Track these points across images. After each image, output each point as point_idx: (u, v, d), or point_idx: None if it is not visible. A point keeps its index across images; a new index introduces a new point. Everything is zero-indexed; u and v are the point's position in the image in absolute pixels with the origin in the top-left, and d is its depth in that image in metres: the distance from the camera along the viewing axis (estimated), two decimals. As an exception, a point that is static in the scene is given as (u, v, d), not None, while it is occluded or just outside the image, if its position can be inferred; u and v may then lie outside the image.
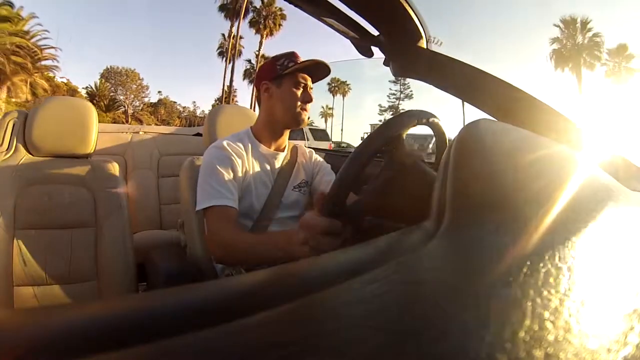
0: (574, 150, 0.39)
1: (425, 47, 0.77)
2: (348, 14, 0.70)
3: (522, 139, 0.39)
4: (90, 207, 1.04)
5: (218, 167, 0.84)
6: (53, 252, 0.99)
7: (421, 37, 0.74)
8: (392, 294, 0.18)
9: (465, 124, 0.35)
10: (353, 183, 0.52)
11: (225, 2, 17.41)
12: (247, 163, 0.90)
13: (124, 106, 20.33)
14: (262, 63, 1.00)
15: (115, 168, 1.11)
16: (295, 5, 0.66)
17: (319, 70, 0.93)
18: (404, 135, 0.57)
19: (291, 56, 0.92)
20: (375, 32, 0.77)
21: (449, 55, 0.76)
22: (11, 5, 10.71)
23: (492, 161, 0.29)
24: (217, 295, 0.20)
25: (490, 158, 0.29)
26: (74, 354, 0.13)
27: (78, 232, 1.02)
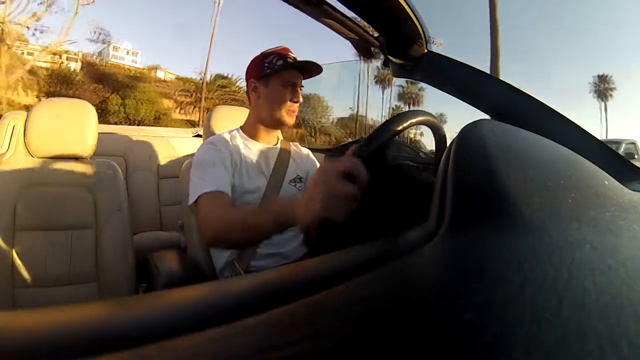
0: (573, 150, 0.39)
1: (424, 47, 0.77)
2: (348, 15, 0.70)
3: (522, 140, 0.39)
4: (90, 208, 1.04)
5: (206, 160, 0.83)
6: (53, 254, 0.99)
7: (421, 37, 0.74)
8: (392, 295, 0.18)
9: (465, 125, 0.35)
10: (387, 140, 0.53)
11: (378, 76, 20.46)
12: (237, 158, 0.88)
13: (312, 123, 24.64)
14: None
15: (115, 169, 1.11)
16: (295, 7, 0.66)
17: (310, 68, 0.88)
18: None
19: (281, 53, 0.87)
20: (375, 33, 0.77)
21: (449, 55, 0.76)
22: (226, 77, 17.78)
23: (492, 162, 0.29)
24: (216, 296, 0.20)
25: (490, 159, 0.29)
26: (74, 355, 0.13)
27: (78, 234, 1.02)
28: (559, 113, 0.67)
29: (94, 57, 15.07)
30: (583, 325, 0.15)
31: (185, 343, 0.14)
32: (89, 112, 1.09)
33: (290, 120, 0.89)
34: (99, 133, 1.11)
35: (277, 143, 0.97)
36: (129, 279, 1.04)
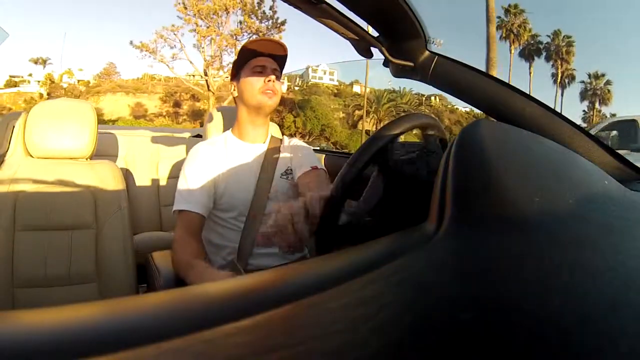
0: (573, 150, 0.39)
1: (424, 47, 0.77)
2: (347, 15, 0.70)
3: (522, 140, 0.39)
4: (90, 208, 1.04)
5: (187, 173, 0.90)
6: (53, 254, 0.98)
7: (421, 37, 0.74)
8: (391, 295, 0.18)
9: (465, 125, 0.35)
10: (350, 189, 0.50)
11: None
12: (224, 162, 0.91)
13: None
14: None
15: (115, 169, 1.11)
16: (294, 6, 0.66)
17: (267, 47, 0.91)
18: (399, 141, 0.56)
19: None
20: (374, 33, 0.77)
21: (448, 56, 0.76)
22: (394, 91, 18.23)
23: (493, 162, 0.29)
24: (216, 296, 0.20)
25: (491, 159, 0.29)
26: (74, 355, 0.13)
27: (78, 234, 1.02)
28: (559, 113, 0.67)
29: (297, 79, 18.26)
30: (583, 325, 0.15)
31: (185, 343, 0.14)
32: (89, 112, 1.09)
33: (266, 99, 0.92)
34: (98, 133, 1.11)
35: (266, 140, 0.99)
36: (129, 279, 1.04)
